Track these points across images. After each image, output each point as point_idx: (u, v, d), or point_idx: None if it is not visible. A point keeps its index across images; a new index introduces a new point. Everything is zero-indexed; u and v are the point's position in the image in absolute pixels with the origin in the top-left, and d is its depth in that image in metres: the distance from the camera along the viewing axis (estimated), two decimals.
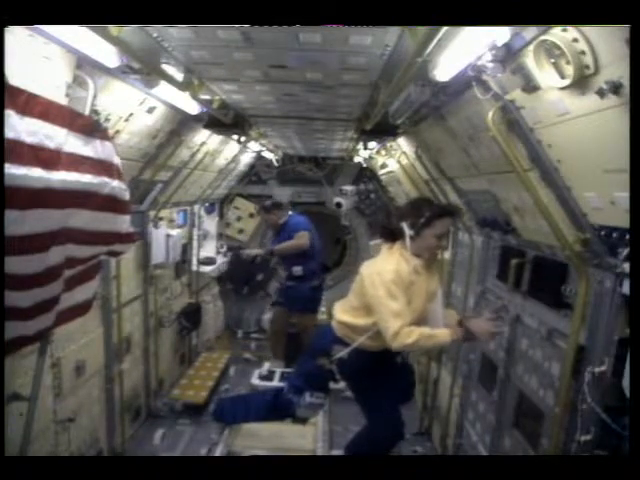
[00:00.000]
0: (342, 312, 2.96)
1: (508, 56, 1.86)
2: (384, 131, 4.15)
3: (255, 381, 5.86)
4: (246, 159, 7.34)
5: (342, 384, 3.23)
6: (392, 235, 2.83)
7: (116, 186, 2.27)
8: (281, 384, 5.58)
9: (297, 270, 5.60)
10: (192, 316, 6.10)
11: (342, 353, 2.91)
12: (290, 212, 5.97)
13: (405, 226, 2.73)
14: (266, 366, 6.20)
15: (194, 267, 6.55)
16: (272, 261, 5.80)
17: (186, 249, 6.15)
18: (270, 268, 5.64)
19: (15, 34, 1.80)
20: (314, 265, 5.73)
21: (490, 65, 1.92)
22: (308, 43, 2.19)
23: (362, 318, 2.82)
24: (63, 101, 2.25)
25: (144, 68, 2.41)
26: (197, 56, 2.48)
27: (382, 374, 3.02)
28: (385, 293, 2.59)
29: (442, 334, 2.61)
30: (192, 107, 3.44)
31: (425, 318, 2.76)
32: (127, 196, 2.37)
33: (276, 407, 3.44)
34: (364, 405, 3.31)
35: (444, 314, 2.88)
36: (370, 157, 6.43)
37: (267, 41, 2.20)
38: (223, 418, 3.90)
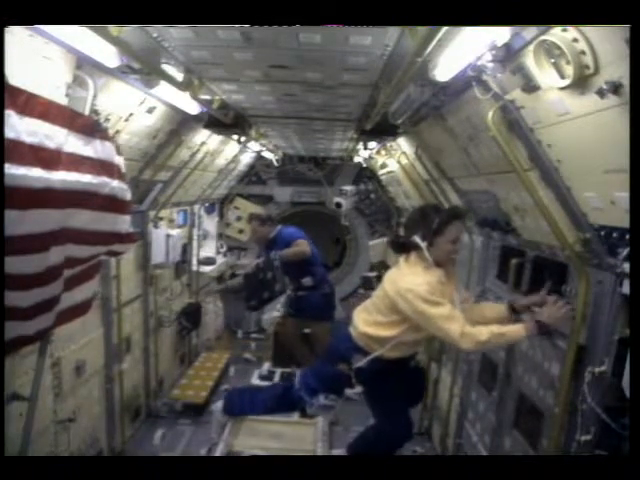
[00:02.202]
0: (364, 324, 2.92)
1: (508, 56, 1.86)
2: (384, 131, 4.15)
3: (255, 381, 5.87)
4: (246, 159, 7.35)
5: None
6: (403, 247, 2.79)
7: (116, 186, 2.26)
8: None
9: (307, 281, 5.48)
10: (192, 316, 6.10)
11: (363, 362, 2.91)
12: (279, 226, 5.73)
13: (418, 239, 2.66)
14: (266, 366, 6.21)
15: (194, 267, 6.56)
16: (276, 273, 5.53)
17: (186, 249, 6.15)
18: (273, 264, 5.40)
19: (15, 34, 1.80)
20: (321, 272, 5.65)
21: (490, 65, 1.92)
22: (308, 43, 2.19)
23: (386, 331, 2.80)
24: (63, 101, 2.25)
25: (144, 68, 2.41)
26: (197, 56, 2.48)
27: (397, 379, 3.03)
28: (426, 305, 2.54)
29: (515, 331, 2.50)
30: (192, 107, 3.44)
31: None
32: (128, 196, 2.37)
33: (285, 401, 3.44)
34: (376, 407, 3.32)
35: (487, 309, 2.87)
36: (370, 157, 6.43)
37: (267, 41, 2.20)
38: (231, 410, 3.90)
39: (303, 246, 5.29)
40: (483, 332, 2.48)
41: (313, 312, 5.61)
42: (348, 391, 3.35)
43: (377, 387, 3.12)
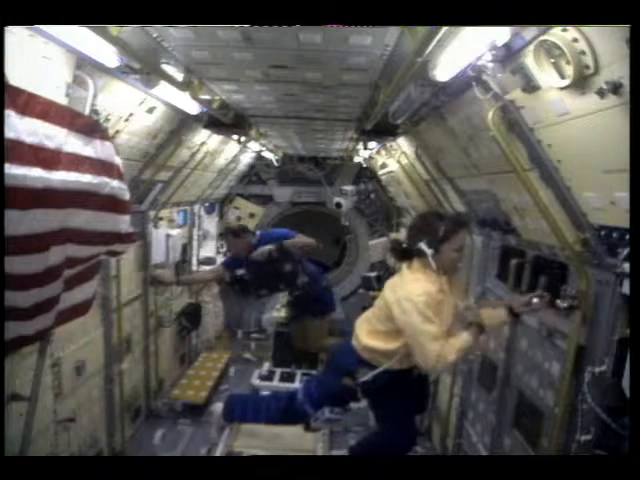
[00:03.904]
0: (367, 336, 2.89)
1: (508, 56, 1.86)
2: (384, 131, 4.15)
3: (255, 381, 5.87)
4: (246, 159, 7.34)
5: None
6: (406, 254, 2.77)
7: (116, 186, 2.26)
8: (284, 384, 5.61)
9: (302, 279, 5.41)
10: (192, 316, 6.10)
11: (368, 376, 2.88)
12: (257, 232, 5.55)
13: (424, 246, 2.63)
14: (266, 366, 6.20)
15: (194, 267, 6.56)
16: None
17: (186, 249, 6.15)
18: (293, 256, 5.13)
19: (15, 34, 1.80)
20: (312, 268, 5.58)
21: (490, 65, 1.92)
22: (308, 43, 2.19)
23: (390, 343, 2.77)
24: (63, 101, 2.25)
25: (144, 68, 2.41)
26: (197, 56, 2.48)
27: (403, 390, 3.00)
28: (420, 319, 2.51)
29: (467, 341, 2.55)
30: (192, 107, 3.43)
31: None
32: (127, 196, 2.37)
33: (289, 414, 3.40)
34: (381, 417, 3.30)
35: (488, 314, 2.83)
36: (370, 157, 6.43)
37: (267, 41, 2.20)
38: (232, 416, 3.88)
39: (307, 238, 5.19)
40: (451, 351, 2.49)
41: (314, 308, 5.60)
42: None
43: (383, 399, 3.09)
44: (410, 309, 2.53)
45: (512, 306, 2.61)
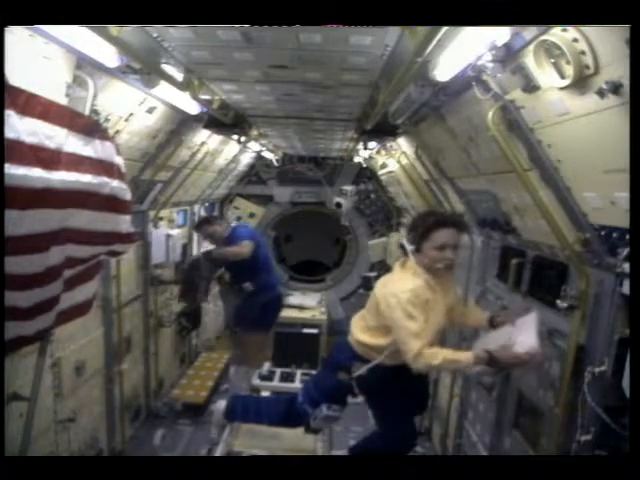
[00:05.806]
0: (359, 331, 2.93)
1: (508, 56, 1.86)
2: (384, 131, 4.15)
3: (255, 381, 5.86)
4: (246, 159, 7.35)
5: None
6: (403, 250, 2.81)
7: (116, 186, 2.26)
8: (284, 384, 5.61)
9: (247, 286, 5.17)
10: (192, 316, 6.10)
11: (362, 370, 2.90)
12: (233, 224, 5.62)
13: (405, 242, 2.69)
14: (266, 366, 6.20)
15: None
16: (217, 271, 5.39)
17: (186, 249, 6.15)
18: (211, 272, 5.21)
19: (15, 34, 1.80)
20: (266, 278, 5.30)
21: (490, 65, 1.92)
22: (308, 43, 2.19)
23: (380, 338, 2.79)
24: (63, 101, 2.25)
25: (144, 68, 2.42)
26: (197, 56, 2.48)
27: (400, 388, 3.00)
28: (402, 315, 2.52)
29: (466, 358, 2.47)
30: (192, 107, 3.44)
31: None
32: (128, 196, 2.36)
33: (290, 415, 3.41)
34: (379, 415, 3.29)
35: (472, 314, 2.95)
36: (370, 157, 6.43)
37: (267, 41, 2.20)
38: (233, 416, 3.89)
39: (243, 248, 4.85)
40: (438, 355, 2.46)
41: (248, 321, 5.30)
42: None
43: (379, 395, 3.10)
44: (394, 305, 2.56)
45: (494, 317, 2.77)
